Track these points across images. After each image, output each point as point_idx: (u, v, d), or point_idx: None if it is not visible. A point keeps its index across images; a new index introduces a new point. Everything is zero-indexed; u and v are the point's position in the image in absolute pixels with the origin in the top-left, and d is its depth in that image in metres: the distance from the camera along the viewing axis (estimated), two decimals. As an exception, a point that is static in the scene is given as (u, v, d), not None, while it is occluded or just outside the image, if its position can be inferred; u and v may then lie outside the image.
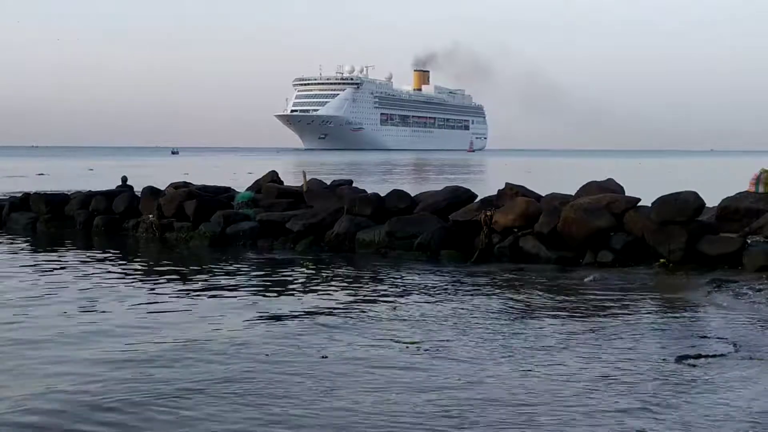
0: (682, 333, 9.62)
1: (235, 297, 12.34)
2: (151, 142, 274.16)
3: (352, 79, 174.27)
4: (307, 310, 11.20)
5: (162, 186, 22.28)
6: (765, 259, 13.51)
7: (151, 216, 20.39)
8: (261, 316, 10.83)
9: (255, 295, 12.54)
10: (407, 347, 9.07)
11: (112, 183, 23.80)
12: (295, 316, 10.76)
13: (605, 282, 13.19)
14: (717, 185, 23.38)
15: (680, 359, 8.38)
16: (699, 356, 8.51)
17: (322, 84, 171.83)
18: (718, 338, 9.32)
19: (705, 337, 9.41)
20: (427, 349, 8.97)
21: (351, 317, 10.69)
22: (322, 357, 8.67)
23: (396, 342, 9.33)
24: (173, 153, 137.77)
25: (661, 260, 14.32)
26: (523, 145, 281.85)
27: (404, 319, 10.55)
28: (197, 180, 24.16)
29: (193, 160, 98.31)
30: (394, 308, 11.27)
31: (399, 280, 13.72)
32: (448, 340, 9.41)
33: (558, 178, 46.73)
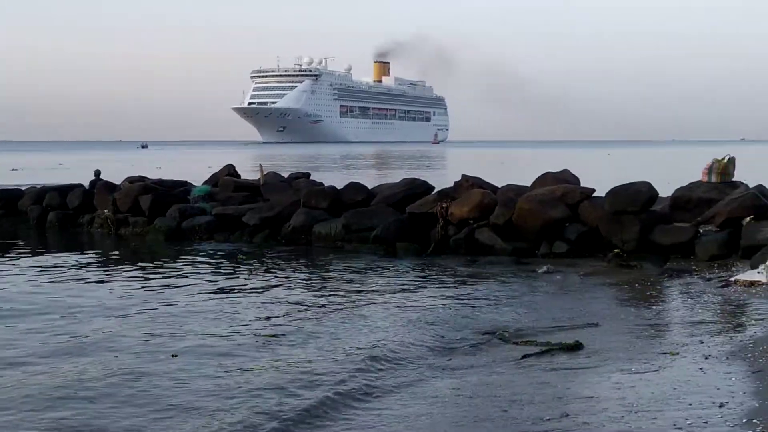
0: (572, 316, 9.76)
1: (183, 293, 12.22)
2: (116, 137, 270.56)
3: (310, 71, 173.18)
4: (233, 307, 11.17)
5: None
6: (716, 248, 13.66)
7: (106, 211, 20.16)
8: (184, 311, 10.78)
9: (203, 290, 12.42)
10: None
11: (83, 177, 23.50)
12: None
13: (556, 274, 13.29)
14: (674, 175, 23.53)
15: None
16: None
17: (280, 76, 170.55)
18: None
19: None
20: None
21: (287, 315, 10.64)
22: (172, 356, 8.49)
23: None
24: (142, 147, 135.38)
25: (615, 250, 14.42)
26: (487, 136, 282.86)
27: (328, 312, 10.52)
28: (172, 174, 23.83)
29: (163, 153, 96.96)
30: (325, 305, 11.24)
31: (348, 274, 13.68)
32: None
33: (527, 168, 46.75)
